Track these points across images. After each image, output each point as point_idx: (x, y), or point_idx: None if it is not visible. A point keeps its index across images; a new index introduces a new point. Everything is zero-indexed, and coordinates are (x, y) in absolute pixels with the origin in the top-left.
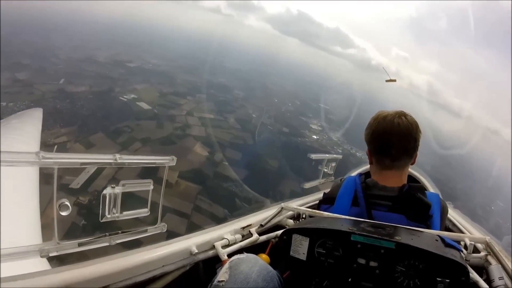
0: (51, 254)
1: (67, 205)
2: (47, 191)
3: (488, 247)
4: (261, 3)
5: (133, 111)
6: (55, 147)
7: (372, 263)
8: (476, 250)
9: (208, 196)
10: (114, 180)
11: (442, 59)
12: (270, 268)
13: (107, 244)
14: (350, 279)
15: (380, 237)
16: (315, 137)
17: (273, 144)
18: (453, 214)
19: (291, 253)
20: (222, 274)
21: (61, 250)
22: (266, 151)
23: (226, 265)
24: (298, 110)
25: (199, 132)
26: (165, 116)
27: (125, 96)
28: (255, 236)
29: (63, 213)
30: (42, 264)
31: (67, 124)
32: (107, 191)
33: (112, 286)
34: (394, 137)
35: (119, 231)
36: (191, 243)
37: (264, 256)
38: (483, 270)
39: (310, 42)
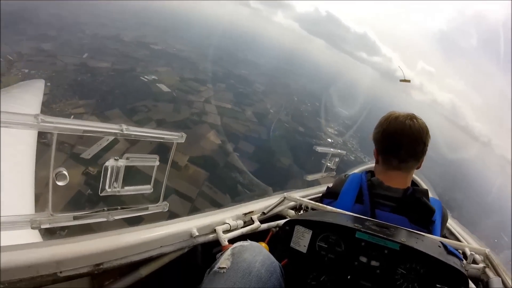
0: (43, 226)
1: (64, 174)
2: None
3: (487, 259)
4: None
5: (152, 91)
6: (71, 117)
7: (374, 263)
8: (473, 261)
9: (215, 184)
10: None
11: (468, 79)
12: (273, 258)
13: (104, 219)
14: (349, 277)
15: (385, 237)
16: (329, 140)
17: (287, 142)
18: (452, 223)
19: (292, 244)
20: (224, 261)
21: (54, 223)
22: (279, 148)
23: (228, 252)
24: (317, 112)
25: (215, 120)
26: (183, 100)
27: (146, 77)
28: (257, 223)
29: (60, 183)
30: (33, 237)
31: (86, 97)
32: (109, 163)
33: (105, 264)
34: (404, 139)
35: (118, 207)
36: (192, 225)
37: (263, 244)
38: (479, 281)
39: (336, 44)
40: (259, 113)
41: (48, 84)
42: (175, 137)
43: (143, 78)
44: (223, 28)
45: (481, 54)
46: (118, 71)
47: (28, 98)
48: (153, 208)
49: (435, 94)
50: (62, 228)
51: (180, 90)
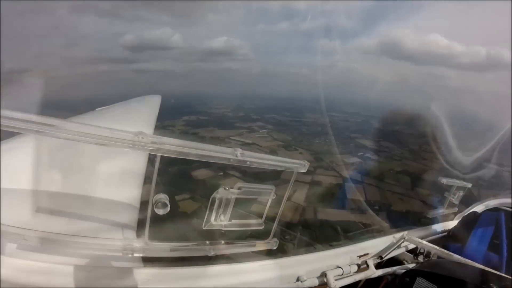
0: (135, 255)
1: (165, 203)
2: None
3: None
4: None
5: None
6: None
7: None
8: None
9: None
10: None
11: None
12: None
13: (204, 253)
14: None
15: None
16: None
17: None
18: None
19: None
20: None
21: (148, 252)
22: None
23: None
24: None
25: None
26: None
27: None
28: (372, 269)
29: (159, 211)
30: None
31: None
32: (219, 194)
33: None
34: None
35: (222, 241)
36: (299, 266)
37: None
38: None
39: None
40: None
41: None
42: (296, 165)
43: None
44: None
45: None
46: None
47: (144, 111)
48: (261, 246)
49: None
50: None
51: None
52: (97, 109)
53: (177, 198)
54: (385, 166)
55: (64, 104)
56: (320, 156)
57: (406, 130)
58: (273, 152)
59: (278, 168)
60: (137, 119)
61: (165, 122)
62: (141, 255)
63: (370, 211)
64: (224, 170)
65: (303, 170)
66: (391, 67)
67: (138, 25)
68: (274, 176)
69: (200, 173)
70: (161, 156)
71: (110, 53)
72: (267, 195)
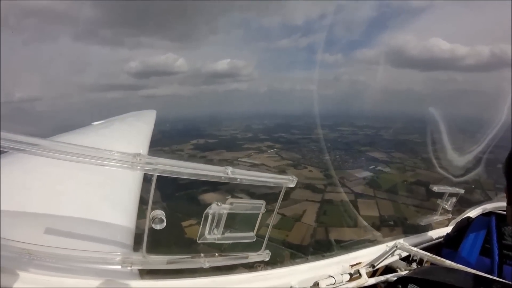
0: (134, 267)
1: (162, 219)
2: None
3: None
4: None
5: None
6: None
7: None
8: None
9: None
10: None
11: None
12: None
13: (199, 266)
14: None
15: None
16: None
17: None
18: None
19: None
20: None
21: (146, 265)
22: None
23: None
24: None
25: None
26: None
27: None
28: (364, 278)
29: (156, 226)
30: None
31: None
32: (212, 209)
33: None
34: None
35: (216, 253)
36: (291, 276)
37: None
38: None
39: None
40: None
41: None
42: (285, 180)
43: None
44: None
45: None
46: None
47: (140, 126)
48: (253, 257)
49: None
50: None
51: None
52: (94, 123)
53: (184, 224)
54: (398, 178)
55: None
56: (330, 173)
57: (417, 139)
58: (281, 172)
59: (268, 184)
60: (134, 135)
61: (174, 147)
62: (139, 267)
63: (363, 220)
64: (231, 192)
65: (292, 185)
66: (396, 75)
67: (141, 51)
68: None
69: (208, 197)
70: (165, 178)
71: (117, 80)
72: (257, 209)
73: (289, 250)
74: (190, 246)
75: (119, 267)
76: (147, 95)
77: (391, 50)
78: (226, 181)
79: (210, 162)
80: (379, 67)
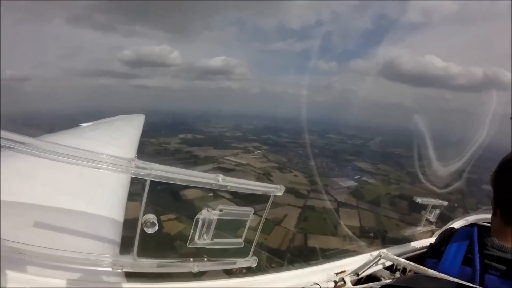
0: (125, 270)
1: (154, 222)
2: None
3: None
4: None
5: None
6: None
7: None
8: None
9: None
10: None
11: None
12: None
13: (188, 270)
14: None
15: None
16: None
17: None
18: None
19: None
20: None
21: (137, 268)
22: None
23: None
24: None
25: None
26: None
27: None
28: (349, 285)
29: (148, 230)
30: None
31: None
32: (202, 215)
33: None
34: None
35: (205, 258)
36: (276, 283)
37: None
38: None
39: None
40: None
41: None
42: (273, 189)
43: None
44: None
45: None
46: None
47: (128, 130)
48: (241, 263)
49: None
50: None
51: None
52: (81, 124)
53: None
54: (382, 190)
55: (64, 115)
56: (314, 179)
57: (404, 153)
58: (266, 174)
59: (256, 192)
60: (121, 139)
61: (161, 139)
62: (129, 270)
63: (348, 231)
64: (213, 190)
65: (279, 194)
66: (387, 88)
67: (135, 40)
68: (264, 198)
69: (188, 192)
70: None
71: (108, 67)
72: (246, 216)
73: (265, 254)
74: (169, 241)
75: (109, 269)
76: (139, 84)
77: (386, 63)
78: (217, 188)
79: (196, 157)
80: (371, 79)
